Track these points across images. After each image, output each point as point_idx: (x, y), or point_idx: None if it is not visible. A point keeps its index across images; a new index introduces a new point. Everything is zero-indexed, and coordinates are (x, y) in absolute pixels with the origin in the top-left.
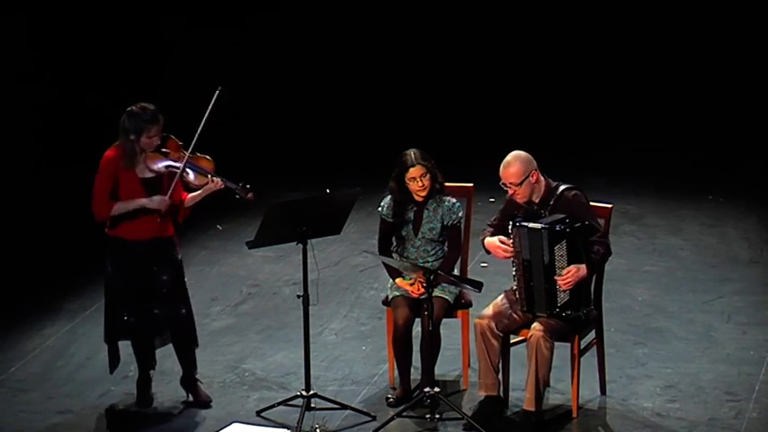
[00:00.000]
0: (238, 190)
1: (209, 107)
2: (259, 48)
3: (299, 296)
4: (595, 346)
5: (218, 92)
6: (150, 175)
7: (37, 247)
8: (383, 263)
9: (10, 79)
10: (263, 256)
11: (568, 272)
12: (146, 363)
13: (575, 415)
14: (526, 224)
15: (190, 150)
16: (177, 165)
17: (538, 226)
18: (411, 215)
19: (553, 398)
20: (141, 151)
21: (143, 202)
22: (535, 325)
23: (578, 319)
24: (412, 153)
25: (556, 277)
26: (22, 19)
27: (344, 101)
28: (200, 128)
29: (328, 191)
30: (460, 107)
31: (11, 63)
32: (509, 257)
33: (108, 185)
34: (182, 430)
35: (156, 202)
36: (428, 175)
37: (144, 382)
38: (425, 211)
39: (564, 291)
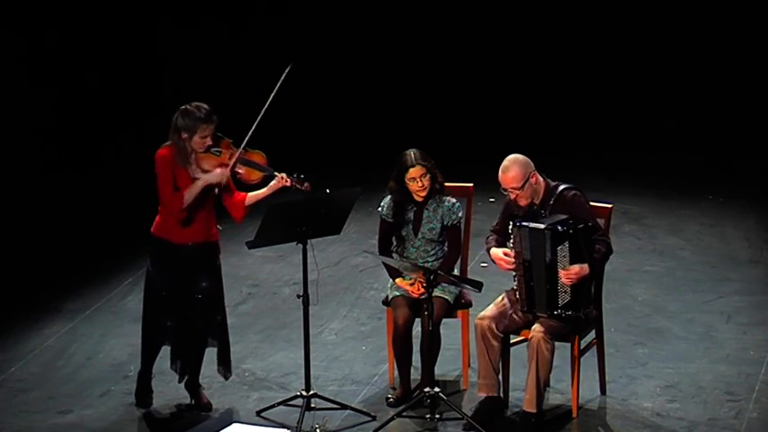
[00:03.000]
0: (294, 181)
1: (277, 86)
2: (259, 47)
3: (299, 296)
4: (595, 346)
5: (288, 69)
6: (201, 174)
7: (37, 247)
8: (383, 263)
9: (11, 80)
10: (263, 256)
11: (572, 268)
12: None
13: (575, 415)
14: (527, 224)
15: (242, 146)
16: (228, 162)
17: (541, 226)
18: (411, 215)
19: (553, 398)
20: (192, 151)
21: (204, 177)
22: (535, 326)
23: (578, 320)
24: (412, 153)
25: (560, 272)
26: (23, 21)
27: (345, 101)
28: (257, 120)
29: (328, 191)
30: (461, 107)
31: (12, 65)
32: (511, 269)
33: (170, 178)
34: (182, 430)
35: (217, 174)
36: (428, 176)
37: (145, 381)
38: (425, 212)
39: (565, 291)
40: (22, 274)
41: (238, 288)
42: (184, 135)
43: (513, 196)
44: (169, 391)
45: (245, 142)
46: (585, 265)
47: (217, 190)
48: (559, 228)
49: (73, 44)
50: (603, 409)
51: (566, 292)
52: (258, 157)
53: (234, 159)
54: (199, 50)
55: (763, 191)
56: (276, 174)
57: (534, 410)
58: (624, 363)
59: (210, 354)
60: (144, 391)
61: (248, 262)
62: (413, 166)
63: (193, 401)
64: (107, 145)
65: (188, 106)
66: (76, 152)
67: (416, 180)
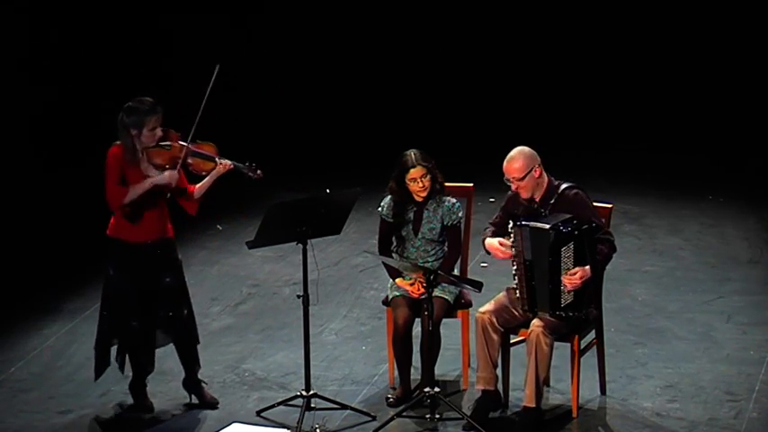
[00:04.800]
0: (245, 169)
1: (209, 88)
2: (259, 47)
3: (299, 296)
4: (595, 346)
5: (216, 69)
6: (154, 172)
7: (37, 247)
8: (383, 263)
9: (11, 80)
10: (263, 256)
11: (575, 273)
12: (145, 367)
13: (575, 415)
14: (528, 223)
15: (190, 138)
16: (180, 154)
17: (545, 226)
18: (411, 215)
19: (553, 398)
20: (143, 147)
21: (153, 180)
22: (535, 321)
23: (579, 319)
24: (412, 154)
25: (563, 277)
26: (23, 19)
27: (345, 100)
28: (199, 112)
29: (328, 191)
30: (460, 107)
31: (13, 64)
32: (507, 258)
33: (116, 173)
34: (182, 430)
35: (165, 177)
36: (428, 176)
37: (138, 387)
38: (425, 212)
39: (568, 292)
40: (22, 274)
41: (238, 288)
42: (134, 131)
43: (514, 187)
44: (169, 390)
45: (191, 134)
46: (587, 268)
47: (169, 195)
48: (563, 229)
49: (69, 42)
50: (603, 409)
51: (568, 292)
52: (209, 147)
53: (184, 153)
54: (199, 47)
55: (763, 191)
56: (220, 161)
57: (533, 405)
58: (624, 363)
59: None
60: (142, 400)
61: (248, 262)
62: (413, 166)
63: (196, 400)
64: (105, 144)
65: (130, 103)
66: (76, 151)
67: (417, 180)
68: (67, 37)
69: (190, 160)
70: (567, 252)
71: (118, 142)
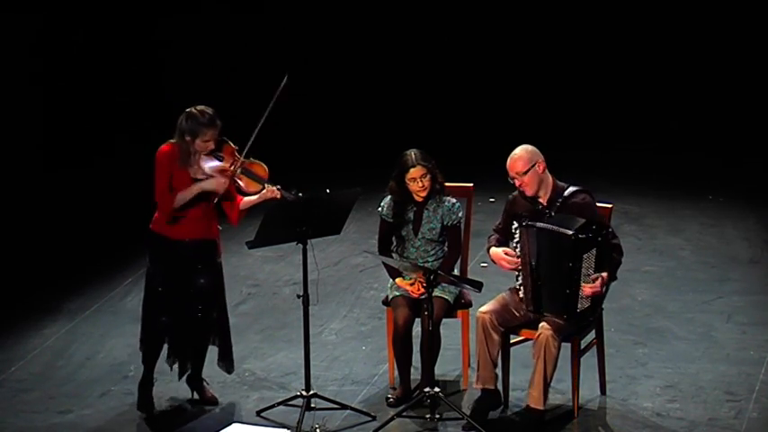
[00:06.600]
0: (291, 199)
1: (273, 99)
2: (259, 46)
3: (299, 296)
4: (595, 346)
5: (285, 80)
6: (203, 176)
7: (38, 247)
8: (383, 263)
9: (14, 80)
10: (263, 256)
11: (596, 278)
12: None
13: (575, 415)
14: (534, 224)
15: (244, 155)
16: (230, 169)
17: (568, 232)
18: (411, 215)
19: (553, 398)
20: (195, 153)
21: (200, 185)
22: (543, 324)
23: (589, 322)
24: (412, 154)
25: (584, 285)
26: (29, 21)
27: (345, 100)
28: (257, 127)
29: (328, 191)
30: (461, 107)
31: (17, 64)
32: (513, 269)
33: (166, 178)
34: (181, 430)
35: (213, 183)
36: (428, 176)
37: (146, 384)
38: (425, 212)
39: (587, 297)
40: (22, 274)
41: (238, 288)
42: (187, 138)
43: (517, 183)
44: (169, 390)
45: (245, 151)
46: (605, 274)
47: (216, 199)
48: (582, 235)
49: (71, 41)
50: (603, 409)
51: (586, 298)
52: (259, 168)
53: (235, 168)
54: (199, 44)
55: (763, 191)
56: (269, 186)
57: (541, 407)
58: (624, 363)
59: (212, 352)
60: (146, 399)
61: (248, 262)
62: (413, 166)
63: (197, 396)
64: (107, 144)
65: (193, 109)
66: (76, 151)
67: (417, 180)
68: (68, 37)
69: (238, 178)
70: (588, 258)
71: (171, 140)
